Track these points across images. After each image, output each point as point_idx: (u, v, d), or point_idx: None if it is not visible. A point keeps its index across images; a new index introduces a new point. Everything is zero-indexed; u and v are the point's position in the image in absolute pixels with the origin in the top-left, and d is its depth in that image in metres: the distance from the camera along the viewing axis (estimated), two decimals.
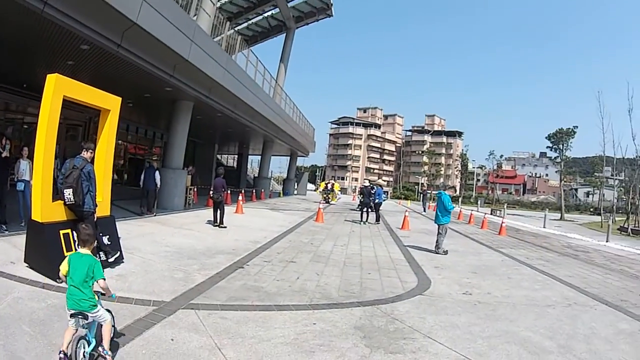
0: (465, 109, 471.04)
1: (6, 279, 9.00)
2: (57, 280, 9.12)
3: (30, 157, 13.75)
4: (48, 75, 9.47)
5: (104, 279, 6.40)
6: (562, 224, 55.89)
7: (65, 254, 9.38)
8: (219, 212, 21.68)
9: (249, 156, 70.00)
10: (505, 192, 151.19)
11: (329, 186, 53.40)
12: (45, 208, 9.61)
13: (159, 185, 24.83)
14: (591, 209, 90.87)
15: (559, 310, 11.64)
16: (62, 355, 5.71)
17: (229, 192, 22.76)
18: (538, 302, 12.32)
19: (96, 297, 6.30)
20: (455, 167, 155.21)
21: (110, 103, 11.13)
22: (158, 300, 9.13)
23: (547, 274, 16.43)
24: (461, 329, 9.36)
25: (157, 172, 24.89)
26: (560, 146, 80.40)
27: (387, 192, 51.38)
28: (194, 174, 33.20)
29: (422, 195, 75.78)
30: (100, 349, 6.14)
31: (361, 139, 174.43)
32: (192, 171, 32.11)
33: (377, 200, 33.27)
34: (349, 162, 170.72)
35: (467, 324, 9.74)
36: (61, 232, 9.95)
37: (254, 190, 46.93)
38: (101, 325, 6.28)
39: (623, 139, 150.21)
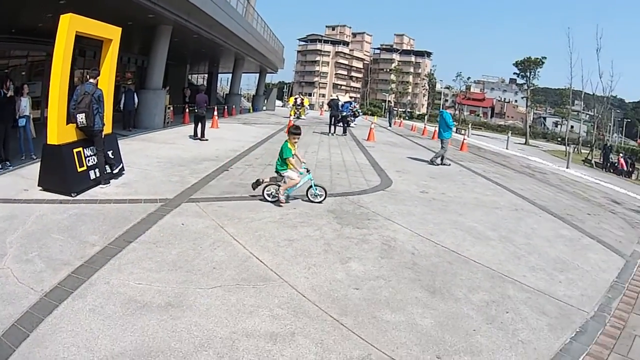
0: (435, 31, 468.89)
1: (25, 204, 9.71)
2: (73, 194, 10.43)
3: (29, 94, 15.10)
4: (62, 15, 10.44)
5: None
6: (525, 148, 57.38)
7: (78, 169, 11.00)
8: (200, 125, 22.97)
9: (219, 74, 70.11)
10: (473, 114, 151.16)
11: (298, 101, 53.01)
12: (61, 131, 10.71)
13: (136, 106, 26.47)
14: (558, 139, 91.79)
15: (505, 212, 13.18)
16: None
17: (198, 109, 23.81)
18: (487, 204, 14.01)
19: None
20: (423, 87, 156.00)
21: (112, 33, 12.30)
22: (163, 198, 10.69)
23: (501, 185, 17.99)
24: (416, 216, 11.37)
25: (135, 94, 26.53)
26: (528, 74, 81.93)
27: (355, 108, 50.12)
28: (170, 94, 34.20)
29: (388, 111, 76.99)
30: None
31: (329, 56, 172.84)
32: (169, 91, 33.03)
33: (344, 113, 34.77)
34: (316, 79, 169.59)
35: (421, 213, 11.72)
36: (74, 150, 11.15)
37: (225, 107, 47.62)
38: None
39: (594, 76, 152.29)
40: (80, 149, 11.27)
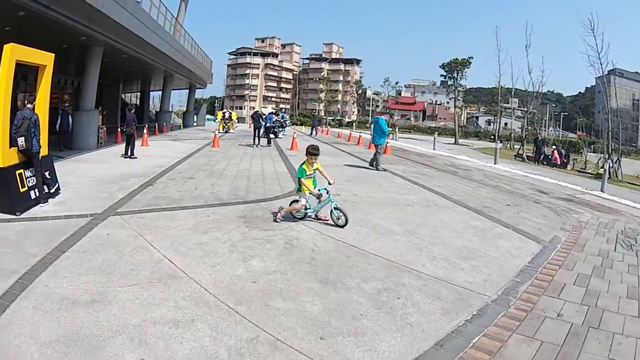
0: (365, 39, 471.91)
1: None
2: (17, 213, 11.16)
3: None
4: (5, 45, 11.25)
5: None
6: (454, 147, 58.51)
7: (21, 190, 11.71)
8: (130, 144, 23.75)
9: (151, 92, 70.34)
10: (404, 118, 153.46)
11: (227, 115, 54.23)
12: (4, 154, 11.42)
13: (70, 127, 27.47)
14: (491, 136, 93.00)
15: (416, 209, 14.05)
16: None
17: (127, 128, 24.70)
18: (398, 202, 14.98)
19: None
20: (351, 94, 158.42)
21: (47, 60, 12.98)
22: (92, 213, 11.55)
23: (418, 184, 18.97)
24: None
25: (69, 116, 27.79)
26: (455, 75, 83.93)
27: (284, 119, 50.68)
28: (104, 115, 35.00)
29: (312, 118, 77.74)
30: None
31: (259, 68, 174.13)
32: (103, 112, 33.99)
33: (267, 124, 35.87)
34: (246, 92, 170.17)
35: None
36: (17, 172, 11.84)
37: (156, 125, 47.98)
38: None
39: (526, 73, 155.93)
40: (22, 170, 11.96)
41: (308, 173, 11.36)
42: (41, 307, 6.30)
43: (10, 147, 11.63)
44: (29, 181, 12.15)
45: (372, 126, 25.60)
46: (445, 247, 10.07)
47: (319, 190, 11.37)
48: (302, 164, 11.51)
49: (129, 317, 6.15)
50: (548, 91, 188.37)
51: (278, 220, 11.41)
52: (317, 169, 11.65)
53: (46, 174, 13.10)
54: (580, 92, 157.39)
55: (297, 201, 11.65)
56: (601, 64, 45.04)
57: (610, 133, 46.55)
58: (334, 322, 6.44)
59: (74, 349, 5.29)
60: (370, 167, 23.29)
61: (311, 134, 57.36)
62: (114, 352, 5.28)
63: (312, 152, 11.55)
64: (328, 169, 21.57)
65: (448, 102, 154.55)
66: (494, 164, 35.87)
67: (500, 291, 8.06)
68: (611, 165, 41.87)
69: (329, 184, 11.52)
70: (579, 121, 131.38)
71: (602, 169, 35.60)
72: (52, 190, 13.30)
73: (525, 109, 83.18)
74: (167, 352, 5.37)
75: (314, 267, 8.51)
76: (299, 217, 11.70)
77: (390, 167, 24.64)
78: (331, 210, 11.34)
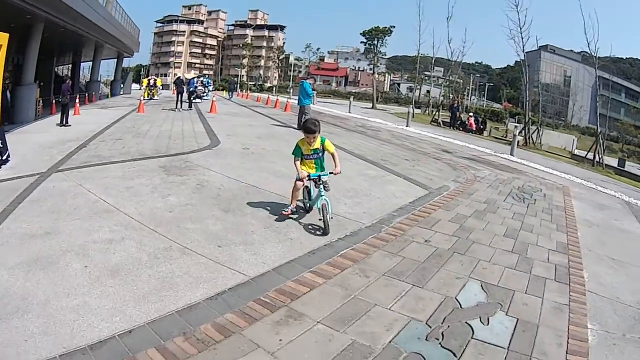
0: (291, 5, 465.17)
1: None
2: None
3: None
4: None
5: None
6: (371, 112, 58.95)
7: None
8: (65, 113, 24.63)
9: (82, 64, 69.85)
10: (326, 84, 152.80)
11: (152, 82, 54.08)
12: None
13: (9, 102, 27.51)
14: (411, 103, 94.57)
15: None
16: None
17: (63, 98, 25.39)
18: None
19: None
20: (273, 60, 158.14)
21: (1, 40, 13.73)
22: (39, 172, 12.65)
23: None
24: (232, 165, 13.88)
25: (8, 92, 27.62)
26: (376, 42, 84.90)
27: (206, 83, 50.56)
28: (40, 88, 35.43)
29: (229, 83, 78.50)
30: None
31: (184, 36, 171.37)
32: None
33: (191, 89, 36.83)
34: (171, 59, 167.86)
35: (237, 163, 14.24)
36: None
37: (86, 95, 48.19)
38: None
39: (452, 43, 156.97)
40: None
41: (305, 153, 8.84)
42: (7, 244, 7.49)
43: None
44: None
45: (298, 89, 26.39)
46: (335, 189, 10.31)
47: (309, 175, 8.71)
48: (300, 141, 8.93)
49: (75, 241, 7.59)
50: (476, 62, 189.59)
51: (286, 211, 9.03)
52: (326, 150, 8.90)
53: None
54: (509, 65, 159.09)
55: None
56: (522, 38, 46.73)
57: (527, 104, 48.46)
58: (230, 236, 8.13)
59: (35, 267, 6.60)
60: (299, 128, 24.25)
61: (230, 97, 58.24)
62: (65, 264, 6.70)
63: (308, 129, 8.80)
64: (242, 129, 23.11)
65: (371, 69, 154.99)
66: (406, 126, 36.75)
67: (376, 221, 9.31)
68: (528, 133, 44.15)
69: (332, 173, 8.77)
70: (505, 93, 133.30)
71: (518, 136, 37.37)
72: (4, 158, 14.31)
73: (451, 78, 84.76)
74: (104, 260, 6.90)
75: (219, 201, 10.16)
76: (306, 204, 9.54)
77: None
78: (317, 206, 8.62)
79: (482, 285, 6.77)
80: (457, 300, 6.26)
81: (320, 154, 9.06)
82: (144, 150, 16.20)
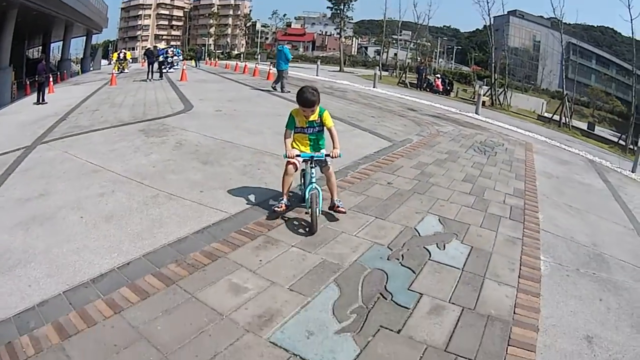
0: None
1: None
2: None
3: None
4: None
5: None
6: (338, 74, 58.45)
7: None
8: (41, 92, 24.94)
9: (52, 44, 69.45)
10: (294, 49, 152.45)
11: (121, 55, 53.25)
12: None
13: None
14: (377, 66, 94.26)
15: (282, 118, 14.35)
16: None
17: (36, 79, 25.48)
18: (271, 114, 16.58)
19: None
20: (240, 28, 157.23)
21: None
22: (23, 146, 12.92)
23: (290, 100, 20.07)
24: (206, 125, 14.22)
25: None
26: (342, 7, 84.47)
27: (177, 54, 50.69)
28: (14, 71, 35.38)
29: (195, 52, 78.81)
30: None
31: (151, 8, 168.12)
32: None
33: (160, 59, 37.12)
34: (139, 32, 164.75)
35: (211, 123, 14.61)
36: None
37: (58, 73, 47.90)
38: None
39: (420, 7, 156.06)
40: None
41: (299, 125, 6.98)
42: (2, 209, 7.86)
43: None
44: None
45: (277, 54, 26.91)
46: None
47: (298, 154, 6.78)
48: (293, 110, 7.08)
49: (68, 198, 8.01)
50: (444, 26, 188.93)
51: (279, 207, 6.88)
52: (325, 124, 6.98)
53: None
54: (477, 29, 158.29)
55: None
56: (487, 2, 47.22)
57: (493, 65, 49.06)
58: (210, 183, 8.65)
59: (32, 224, 7.00)
60: (273, 90, 25.02)
61: (196, 65, 57.68)
62: (62, 217, 7.14)
63: (305, 100, 6.67)
64: (213, 94, 23.36)
65: (338, 34, 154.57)
66: (373, 87, 36.67)
67: (342, 167, 9.65)
68: (495, 94, 44.66)
69: (329, 155, 6.82)
70: (473, 56, 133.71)
71: (484, 96, 37.99)
72: None
73: (417, 41, 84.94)
74: (97, 210, 7.36)
75: (197, 155, 10.64)
76: (283, 200, 7.00)
77: (270, 90, 25.86)
78: (306, 196, 6.77)
79: (439, 219, 7.26)
80: (416, 229, 6.81)
81: (317, 128, 7.01)
82: (122, 118, 16.47)
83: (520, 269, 5.83)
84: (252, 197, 7.88)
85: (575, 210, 9.06)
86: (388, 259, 5.78)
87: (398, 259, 5.79)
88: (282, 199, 7.03)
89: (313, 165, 6.75)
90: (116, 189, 8.39)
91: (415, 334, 4.30)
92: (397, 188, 8.69)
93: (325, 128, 7.04)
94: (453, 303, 4.87)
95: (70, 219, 7.10)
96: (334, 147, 6.72)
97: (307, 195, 6.65)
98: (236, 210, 7.23)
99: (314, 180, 6.66)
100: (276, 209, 6.96)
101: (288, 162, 6.81)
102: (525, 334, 4.45)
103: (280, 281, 5.17)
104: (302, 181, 7.43)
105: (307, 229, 6.54)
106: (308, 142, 7.06)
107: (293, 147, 6.95)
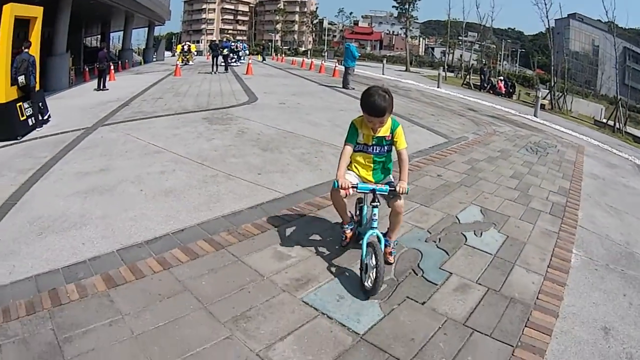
0: None
1: None
2: (18, 137, 13.07)
3: None
4: (4, 5, 13.21)
5: None
6: (404, 74, 58.53)
7: (20, 118, 13.73)
8: (102, 78, 25.80)
9: (111, 34, 70.41)
10: (361, 47, 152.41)
11: (185, 48, 54.42)
12: (7, 92, 13.40)
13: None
14: (444, 66, 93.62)
15: (348, 113, 15.58)
16: None
17: (97, 65, 26.32)
18: (334, 108, 17.39)
19: None
20: (307, 25, 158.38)
21: (37, 12, 14.96)
22: (84, 127, 13.73)
23: (355, 97, 19.42)
24: (270, 116, 14.96)
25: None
26: (407, 6, 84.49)
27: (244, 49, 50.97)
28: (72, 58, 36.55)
29: (262, 48, 79.79)
30: None
31: (215, 3, 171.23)
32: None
33: (225, 52, 37.42)
34: (203, 26, 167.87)
35: (274, 115, 15.39)
36: (17, 105, 13.76)
37: (119, 62, 48.91)
38: None
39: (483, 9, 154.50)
40: (21, 103, 13.91)
41: (363, 142, 5.38)
42: (60, 180, 8.54)
43: (12, 85, 13.66)
44: (27, 111, 14.15)
45: (343, 51, 27.92)
46: None
47: (354, 185, 5.05)
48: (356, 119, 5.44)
49: (129, 173, 8.70)
50: (509, 28, 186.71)
51: (347, 234, 5.75)
52: (395, 144, 5.42)
53: (39, 105, 15.22)
54: (540, 32, 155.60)
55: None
56: (545, 4, 46.96)
57: (553, 68, 48.82)
58: (268, 167, 9.33)
59: (91, 194, 7.65)
60: (345, 88, 25.52)
61: (263, 59, 58.83)
62: (121, 190, 7.82)
63: (372, 105, 5.03)
64: (278, 87, 24.09)
65: (404, 33, 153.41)
66: (437, 87, 37.01)
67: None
68: (554, 98, 44.44)
69: (394, 190, 5.05)
70: (537, 59, 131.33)
71: (544, 100, 37.80)
72: (46, 117, 15.53)
73: (482, 43, 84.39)
74: (157, 185, 8.05)
75: (258, 143, 11.31)
76: (347, 226, 5.76)
77: (335, 86, 26.77)
78: (363, 245, 4.91)
79: (481, 210, 7.67)
80: (457, 217, 7.26)
81: (387, 147, 5.43)
82: (186, 106, 17.31)
83: (551, 259, 6.12)
84: (306, 181, 8.51)
85: (615, 211, 9.22)
86: (425, 241, 6.21)
87: (435, 242, 6.23)
88: (346, 227, 5.76)
89: (376, 202, 5.04)
90: (177, 168, 9.10)
91: (439, 307, 4.72)
92: (446, 180, 9.16)
93: (395, 149, 5.37)
94: (479, 284, 5.25)
95: (129, 191, 7.78)
96: (400, 179, 5.12)
97: (364, 244, 4.85)
98: (290, 192, 7.87)
99: (375, 224, 5.00)
100: (344, 236, 5.79)
101: (335, 189, 5.09)
102: (544, 319, 4.73)
103: (322, 253, 5.71)
104: (357, 213, 5.84)
105: (362, 288, 4.93)
106: (371, 165, 5.47)
107: (350, 171, 5.46)
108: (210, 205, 7.11)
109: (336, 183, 4.99)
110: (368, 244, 4.80)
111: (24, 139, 13.17)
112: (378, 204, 5.05)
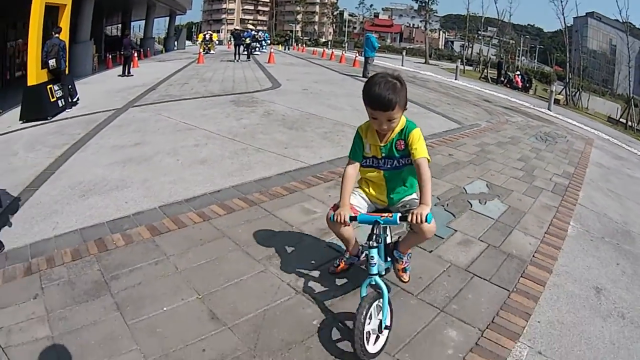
0: None
1: (15, 132, 12.29)
2: (49, 117, 13.67)
3: None
4: None
5: None
6: (423, 66, 59.20)
7: (51, 100, 14.37)
8: (127, 65, 26.71)
9: (132, 23, 70.88)
10: (381, 39, 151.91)
11: (207, 36, 55.28)
12: (38, 74, 14.21)
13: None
14: (463, 60, 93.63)
15: (360, 98, 16.68)
16: None
17: (122, 52, 27.03)
18: (354, 94, 17.82)
19: None
20: (327, 16, 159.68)
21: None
22: (114, 108, 14.53)
23: None
24: (293, 100, 15.82)
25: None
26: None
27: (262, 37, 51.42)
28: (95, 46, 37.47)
29: (284, 39, 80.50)
30: None
31: None
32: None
33: (247, 40, 38.19)
34: (223, 16, 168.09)
35: (297, 99, 16.23)
36: (47, 87, 14.47)
37: (141, 50, 50.03)
38: None
39: (501, 4, 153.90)
40: (51, 85, 14.65)
41: (370, 154, 4.18)
42: (97, 152, 9.36)
43: (42, 68, 14.46)
44: (57, 93, 14.87)
45: (364, 42, 28.26)
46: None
47: (354, 216, 3.89)
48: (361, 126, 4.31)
49: (163, 147, 9.56)
50: (528, 24, 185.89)
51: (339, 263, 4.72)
52: (412, 151, 3.93)
53: (69, 87, 16.00)
54: (559, 29, 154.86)
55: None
56: (561, 1, 47.37)
57: (569, 64, 49.36)
58: (294, 142, 10.20)
59: (129, 163, 8.48)
60: (365, 77, 25.75)
61: (286, 49, 60.98)
62: (158, 160, 8.67)
63: (373, 95, 3.81)
64: (300, 75, 25.07)
65: (424, 26, 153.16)
66: (455, 79, 37.54)
67: None
68: (569, 93, 44.98)
69: (404, 216, 3.65)
70: (555, 56, 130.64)
71: (559, 95, 38.49)
72: (75, 99, 16.34)
73: (501, 38, 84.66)
74: (192, 155, 8.91)
75: (284, 122, 12.17)
76: (348, 258, 4.65)
77: (355, 75, 27.66)
78: (362, 295, 3.67)
79: (487, 184, 8.30)
80: (464, 188, 7.95)
81: (402, 160, 4.07)
82: (212, 90, 18.18)
83: (548, 227, 6.65)
84: (328, 154, 9.38)
85: (616, 195, 9.66)
86: (434, 205, 6.90)
87: (443, 206, 6.99)
88: (346, 256, 4.71)
89: (375, 242, 3.79)
90: (209, 142, 9.95)
91: (444, 255, 5.45)
92: (456, 159, 9.82)
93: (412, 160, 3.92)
94: (481, 240, 5.94)
95: (166, 161, 8.63)
96: (421, 202, 3.72)
97: (363, 291, 3.71)
98: (314, 162, 8.75)
99: (373, 270, 3.74)
100: (336, 265, 4.79)
101: (331, 223, 4.11)
102: (538, 273, 5.34)
103: None
104: (368, 245, 3.81)
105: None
106: (384, 184, 4.21)
107: (358, 190, 4.39)
108: (242, 172, 7.95)
109: (332, 216, 3.92)
110: (362, 298, 3.56)
111: (54, 119, 13.84)
112: (379, 244, 3.86)
